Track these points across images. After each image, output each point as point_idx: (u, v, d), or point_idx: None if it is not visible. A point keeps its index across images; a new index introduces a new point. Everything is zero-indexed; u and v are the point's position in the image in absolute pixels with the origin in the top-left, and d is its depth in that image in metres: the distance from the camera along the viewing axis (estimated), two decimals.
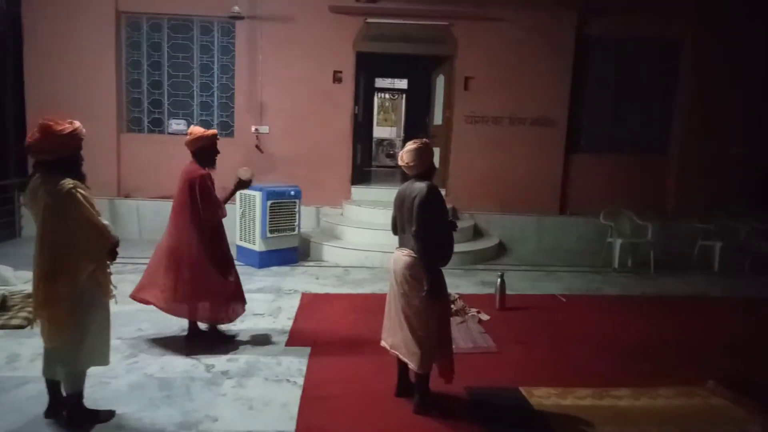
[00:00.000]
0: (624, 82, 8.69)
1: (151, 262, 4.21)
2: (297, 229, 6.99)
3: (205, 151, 4.13)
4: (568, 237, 8.41)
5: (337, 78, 8.15)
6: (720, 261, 7.36)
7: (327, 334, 4.57)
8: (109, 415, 3.14)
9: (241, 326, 4.66)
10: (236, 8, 7.61)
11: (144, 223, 7.98)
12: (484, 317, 5.11)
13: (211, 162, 4.18)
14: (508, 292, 5.50)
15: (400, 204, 3.35)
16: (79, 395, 3.04)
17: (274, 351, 4.19)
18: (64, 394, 3.06)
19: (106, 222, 2.97)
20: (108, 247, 2.99)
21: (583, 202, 8.54)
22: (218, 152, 4.25)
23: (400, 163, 3.39)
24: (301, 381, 3.68)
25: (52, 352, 2.98)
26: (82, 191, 2.86)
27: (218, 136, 4.29)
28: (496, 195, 8.44)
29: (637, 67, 8.68)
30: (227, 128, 8.33)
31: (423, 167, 3.33)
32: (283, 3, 7.95)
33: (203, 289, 4.08)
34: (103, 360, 3.11)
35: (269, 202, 6.62)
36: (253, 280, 6.10)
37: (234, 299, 4.25)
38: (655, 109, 8.79)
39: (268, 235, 6.64)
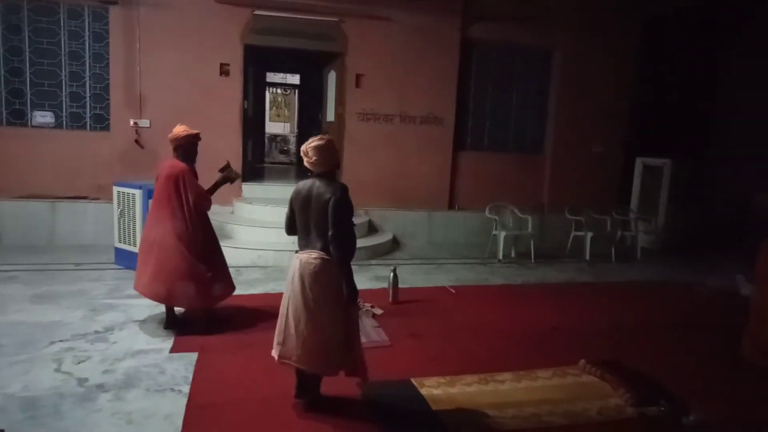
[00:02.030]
0: (505, 85, 9.20)
1: (139, 254, 4.47)
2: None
3: (187, 149, 4.40)
4: (457, 231, 8.80)
5: (224, 71, 7.84)
6: (590, 250, 8.06)
7: (216, 337, 4.37)
8: None
9: (119, 334, 4.35)
10: None
11: (5, 226, 7.15)
12: (378, 311, 5.18)
13: (191, 159, 4.43)
14: (400, 285, 5.62)
15: (304, 204, 3.17)
16: None
17: (156, 359, 3.93)
18: None
19: None
20: None
21: (470, 198, 8.96)
22: (197, 153, 4.51)
23: (303, 158, 3.21)
24: (186, 389, 3.49)
25: None
26: None
27: (199, 137, 4.48)
28: (389, 191, 8.60)
29: (515, 70, 9.23)
30: (102, 122, 7.70)
31: (329, 165, 3.20)
32: None
33: (184, 276, 4.24)
34: None
35: (151, 201, 6.20)
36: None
37: (216, 282, 4.44)
38: (532, 111, 9.41)
39: None
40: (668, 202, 9.07)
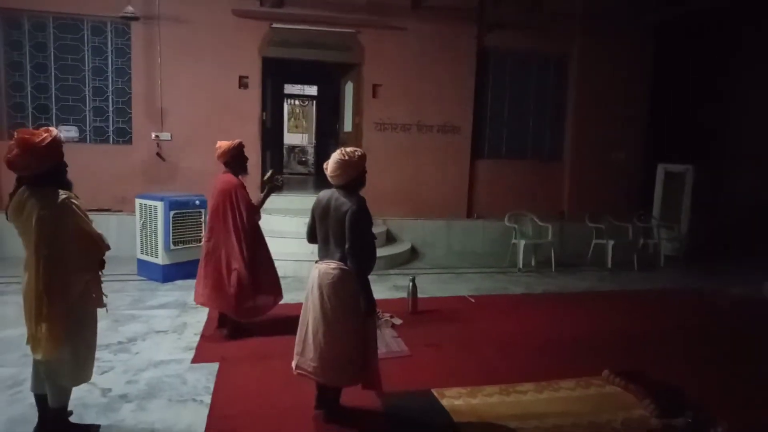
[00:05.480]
0: (522, 93, 9.17)
1: (199, 267, 4.70)
2: (203, 240, 6.70)
3: (235, 160, 4.59)
4: (476, 240, 8.75)
5: (243, 83, 7.95)
6: (612, 258, 7.94)
7: (236, 348, 4.40)
8: (95, 428, 3.07)
9: (142, 345, 4.40)
10: (130, 8, 7.19)
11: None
12: (397, 321, 5.16)
13: (242, 169, 4.66)
14: (419, 295, 5.60)
15: (323, 214, 3.20)
16: (62, 411, 2.94)
17: (178, 369, 3.97)
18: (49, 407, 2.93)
19: (100, 231, 2.92)
20: (100, 257, 2.94)
21: (488, 206, 8.92)
22: (247, 159, 4.69)
23: (325, 171, 3.25)
24: (208, 399, 3.52)
25: (40, 366, 2.85)
26: (74, 201, 2.79)
27: (242, 145, 4.67)
28: (407, 200, 8.60)
29: (532, 78, 9.20)
30: (124, 135, 7.85)
31: (346, 179, 3.18)
32: (181, 4, 7.61)
33: (229, 286, 4.50)
34: (86, 376, 2.99)
35: (172, 212, 6.30)
36: (156, 296, 5.78)
37: (262, 292, 4.67)
38: (550, 119, 9.35)
39: (172, 247, 6.31)
40: (691, 209, 8.92)
